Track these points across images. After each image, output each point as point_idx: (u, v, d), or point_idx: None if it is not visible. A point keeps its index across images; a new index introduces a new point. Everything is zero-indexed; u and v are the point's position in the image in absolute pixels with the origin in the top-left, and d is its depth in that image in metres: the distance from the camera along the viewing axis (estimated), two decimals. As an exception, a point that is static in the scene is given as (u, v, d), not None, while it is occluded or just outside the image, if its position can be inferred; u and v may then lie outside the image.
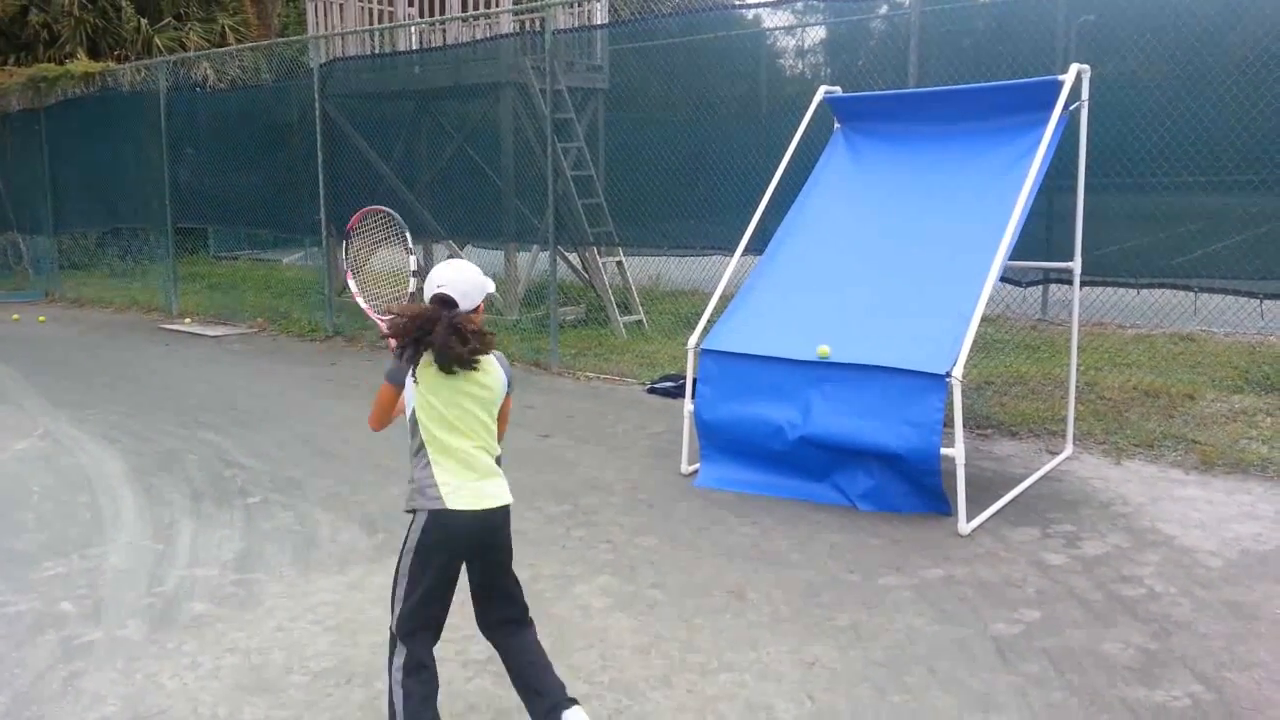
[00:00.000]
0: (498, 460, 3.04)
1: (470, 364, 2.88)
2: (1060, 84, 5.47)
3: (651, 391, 7.89)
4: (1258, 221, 6.43)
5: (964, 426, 5.02)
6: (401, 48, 11.44)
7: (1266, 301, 6.50)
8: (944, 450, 4.86)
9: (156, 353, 10.39)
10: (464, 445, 2.96)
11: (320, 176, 10.94)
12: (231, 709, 3.42)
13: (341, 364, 9.50)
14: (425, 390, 2.93)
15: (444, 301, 2.92)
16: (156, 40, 19.46)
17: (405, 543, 2.97)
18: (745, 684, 3.51)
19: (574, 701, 2.96)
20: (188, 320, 12.32)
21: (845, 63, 10.03)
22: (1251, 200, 6.44)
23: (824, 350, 5.22)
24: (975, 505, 5.02)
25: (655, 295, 11.68)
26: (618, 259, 10.82)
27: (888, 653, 3.72)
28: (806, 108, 6.36)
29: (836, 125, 6.47)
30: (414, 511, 2.97)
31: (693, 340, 5.80)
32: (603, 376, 8.53)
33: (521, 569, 4.50)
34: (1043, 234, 6.61)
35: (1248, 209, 6.45)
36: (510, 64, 10.12)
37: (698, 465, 5.76)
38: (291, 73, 12.89)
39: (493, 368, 3.00)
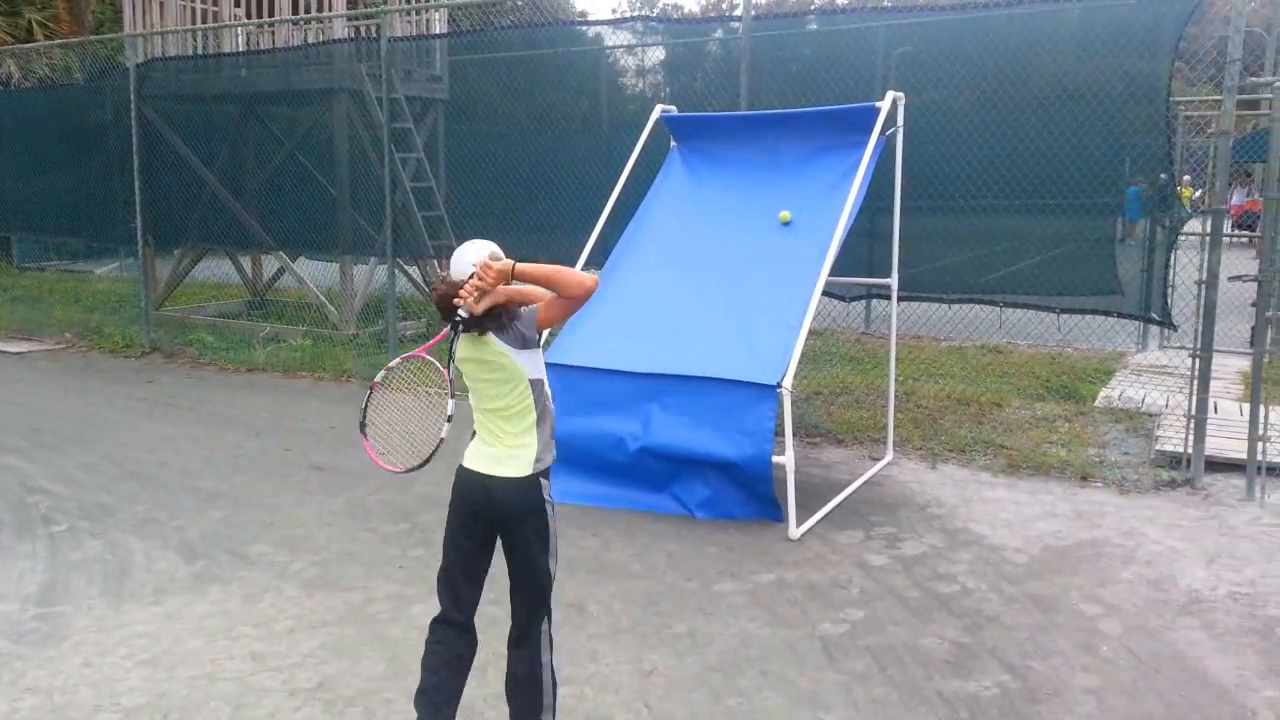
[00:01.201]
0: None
1: (461, 325, 2.86)
2: (877, 110, 5.79)
3: (492, 406, 7.81)
4: (1055, 242, 6.98)
5: (794, 435, 5.22)
6: (226, 49, 10.94)
7: (1064, 315, 7.04)
8: (775, 458, 5.03)
9: (-52, 371, 9.52)
10: (482, 416, 3.00)
11: (136, 182, 10.32)
12: (30, 754, 3.17)
13: (159, 381, 8.97)
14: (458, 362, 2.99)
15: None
16: (-49, 32, 17.93)
17: None
18: (585, 696, 3.53)
19: None
20: (-15, 335, 11.35)
21: (683, 83, 10.29)
22: (1049, 222, 6.98)
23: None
24: (804, 510, 5.21)
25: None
26: (458, 272, 10.66)
27: (722, 657, 3.81)
28: (646, 125, 6.48)
29: (673, 143, 6.62)
30: None
31: (532, 354, 5.78)
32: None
33: (355, 592, 4.39)
34: (865, 252, 6.96)
35: (1046, 230, 6.99)
36: (344, 70, 9.85)
37: (538, 479, 5.73)
38: (106, 72, 12.14)
39: (492, 339, 2.92)
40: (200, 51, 11.07)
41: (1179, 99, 9.24)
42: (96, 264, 18.12)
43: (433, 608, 3.10)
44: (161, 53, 10.88)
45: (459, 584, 3.01)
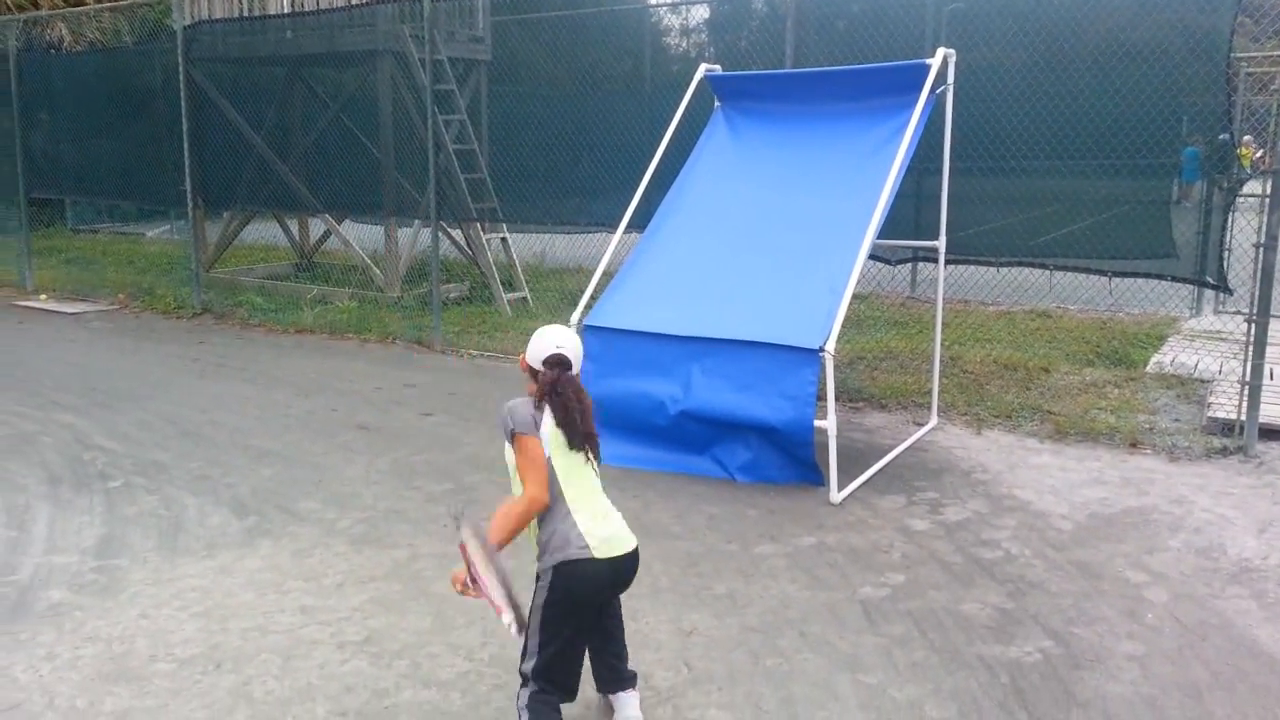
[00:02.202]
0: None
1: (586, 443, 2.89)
2: (927, 68, 5.67)
3: (535, 368, 7.86)
4: (1109, 204, 6.82)
5: (836, 399, 5.19)
6: (272, 11, 10.98)
7: (1116, 280, 6.89)
8: (817, 422, 5.01)
9: (9, 330, 9.78)
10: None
11: (186, 145, 10.44)
12: (91, 700, 3.29)
13: (210, 342, 9.14)
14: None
15: (561, 362, 2.93)
16: (5, -3, 18.17)
17: None
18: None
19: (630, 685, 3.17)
20: (43, 296, 11.63)
21: (728, 42, 10.15)
22: (1103, 184, 6.82)
23: None
24: (846, 475, 5.20)
25: (540, 272, 11.62)
26: (502, 235, 10.70)
27: (762, 618, 3.83)
28: (689, 85, 6.42)
29: (716, 103, 6.55)
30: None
31: (575, 317, 5.80)
32: (487, 354, 8.45)
33: (400, 549, 4.48)
34: (911, 214, 6.86)
35: (1099, 192, 6.83)
36: (388, 31, 9.85)
37: (580, 441, 5.77)
38: (154, 35, 12.27)
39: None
40: (246, 14, 11.12)
41: (1241, 55, 8.94)
42: (148, 226, 18.45)
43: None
44: (208, 15, 10.96)
45: (579, 666, 2.99)
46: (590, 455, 2.94)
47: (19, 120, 11.99)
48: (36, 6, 17.43)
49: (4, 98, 12.03)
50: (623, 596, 3.91)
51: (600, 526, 2.85)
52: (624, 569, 2.90)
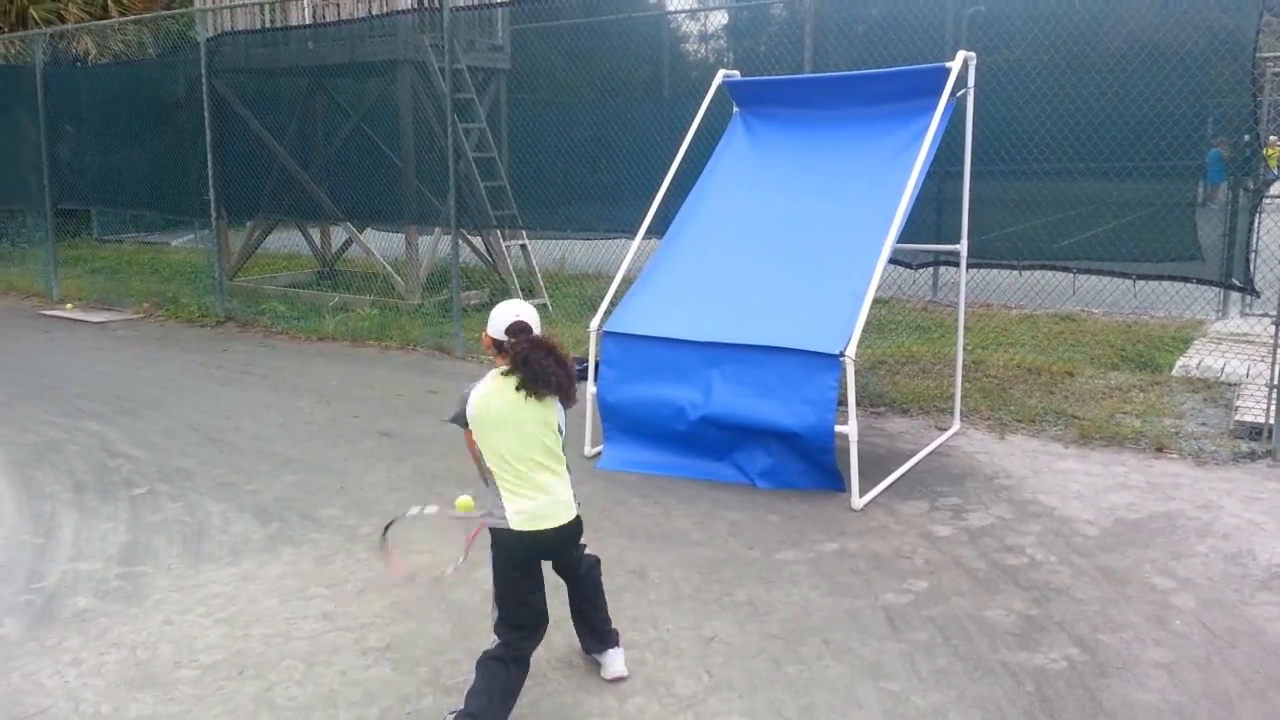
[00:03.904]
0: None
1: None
2: (947, 71, 5.64)
3: (555, 375, 7.87)
4: (1132, 206, 6.77)
5: (857, 405, 5.16)
6: (293, 22, 11.08)
7: (1140, 282, 6.83)
8: (838, 428, 4.99)
9: (36, 340, 9.90)
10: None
11: (209, 156, 10.54)
12: (116, 705, 3.31)
13: (233, 350, 9.21)
14: None
15: (523, 329, 3.08)
16: (33, 11, 18.42)
17: None
18: (645, 661, 3.56)
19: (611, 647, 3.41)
20: (69, 306, 11.76)
21: (747, 48, 10.16)
22: (1127, 186, 6.77)
23: None
24: (868, 480, 5.17)
25: (560, 279, 11.64)
26: (522, 242, 10.73)
27: (784, 625, 3.81)
28: (708, 92, 6.42)
29: (735, 109, 6.54)
30: None
31: (595, 323, 5.81)
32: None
33: (422, 555, 4.48)
34: (932, 218, 6.83)
35: (1123, 195, 6.78)
36: (408, 41, 9.92)
37: (601, 447, 5.78)
38: (178, 47, 12.40)
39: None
40: (268, 25, 11.23)
41: (1266, 55, 8.83)
42: (172, 236, 18.61)
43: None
44: (230, 27, 11.07)
45: (535, 619, 3.17)
46: (555, 426, 3.09)
47: (45, 132, 12.15)
48: (63, 21, 17.68)
49: (31, 110, 12.19)
50: (642, 603, 3.92)
51: (523, 501, 2.99)
52: (546, 542, 3.04)
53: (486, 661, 3.04)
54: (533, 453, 3.03)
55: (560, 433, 3.12)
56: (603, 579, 3.48)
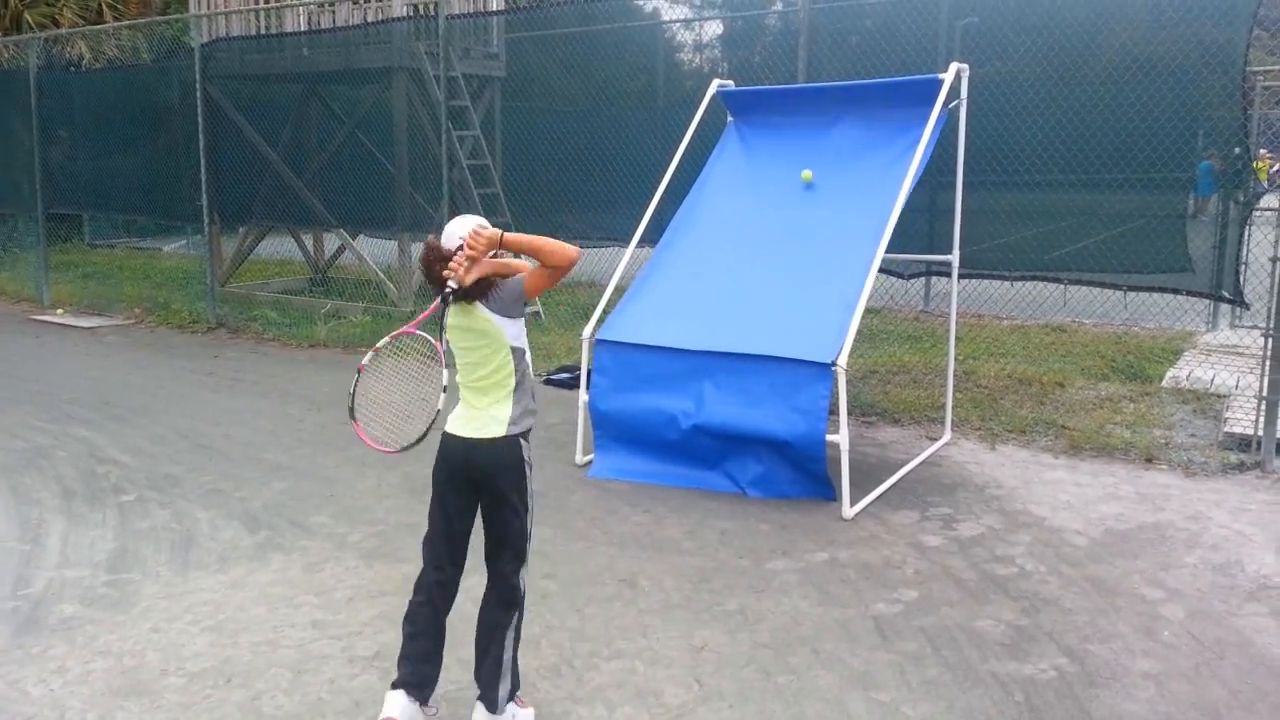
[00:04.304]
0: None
1: (450, 295, 2.97)
2: (940, 82, 5.66)
3: (548, 383, 7.87)
4: (1124, 218, 6.79)
5: (849, 414, 5.17)
6: (289, 28, 11.09)
7: (1131, 294, 6.86)
8: (829, 437, 4.99)
9: (25, 345, 9.86)
10: (466, 383, 3.12)
11: (202, 161, 10.53)
12: (102, 713, 3.29)
13: (224, 356, 9.19)
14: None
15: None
16: (27, 16, 18.41)
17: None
18: (635, 670, 3.55)
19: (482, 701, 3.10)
20: (60, 311, 11.72)
21: (741, 58, 10.19)
22: (1117, 198, 6.80)
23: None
24: (859, 490, 5.17)
25: (553, 287, 11.61)
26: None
27: (774, 635, 3.81)
28: (701, 102, 6.43)
29: (729, 118, 6.56)
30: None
31: (587, 331, 5.81)
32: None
33: (411, 563, 4.46)
34: (925, 228, 6.85)
35: (1114, 206, 6.81)
36: (403, 48, 9.92)
37: (592, 456, 5.78)
38: (172, 53, 12.38)
39: (480, 309, 3.05)
40: (263, 31, 11.23)
41: (1257, 69, 8.90)
42: (164, 241, 18.58)
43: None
44: (225, 33, 11.06)
45: (443, 546, 3.14)
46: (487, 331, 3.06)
47: (39, 137, 12.12)
48: (57, 25, 17.66)
49: (24, 115, 12.17)
50: (632, 612, 3.91)
51: (463, 410, 3.10)
52: (469, 448, 3.04)
53: None
54: (469, 361, 3.10)
55: (507, 341, 3.07)
56: (551, 599, 3.40)
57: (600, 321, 5.81)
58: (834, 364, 4.94)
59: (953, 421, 6.37)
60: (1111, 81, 6.68)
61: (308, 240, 13.21)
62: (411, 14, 10.54)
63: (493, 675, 3.07)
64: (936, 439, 6.22)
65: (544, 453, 6.12)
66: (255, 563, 4.50)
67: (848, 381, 5.01)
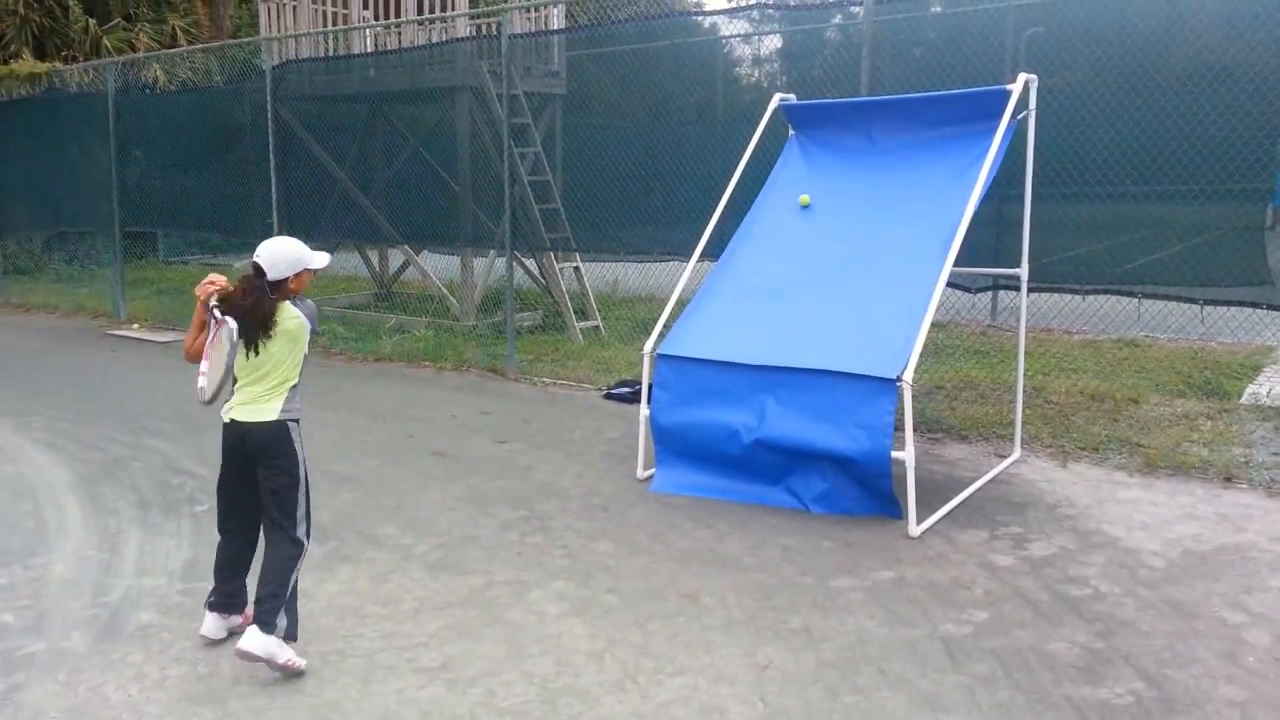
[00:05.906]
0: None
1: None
2: (1008, 93, 5.58)
3: (608, 397, 7.90)
4: (1198, 230, 6.60)
5: (914, 430, 5.09)
6: (356, 50, 11.34)
7: (1207, 308, 6.67)
8: (894, 453, 4.92)
9: (103, 359, 10.18)
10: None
11: (273, 180, 10.80)
12: (177, 719, 3.37)
13: (294, 370, 9.37)
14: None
15: (255, 270, 3.71)
16: (105, 41, 19.12)
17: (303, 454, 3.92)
18: (699, 687, 3.53)
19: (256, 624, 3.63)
20: (136, 326, 12.09)
21: (801, 71, 10.14)
22: (1192, 209, 6.61)
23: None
24: (925, 508, 5.08)
25: (612, 301, 11.69)
26: (575, 264, 10.80)
27: (839, 654, 3.75)
28: (762, 115, 6.42)
29: (791, 132, 6.53)
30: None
31: (649, 345, 5.82)
32: (559, 382, 8.52)
33: (475, 575, 4.51)
34: (992, 241, 6.73)
35: (1189, 217, 6.62)
36: (466, 68, 10.08)
37: (653, 470, 5.77)
38: (243, 75, 12.74)
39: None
40: (331, 53, 11.50)
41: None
42: (235, 257, 19.04)
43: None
44: (294, 55, 11.35)
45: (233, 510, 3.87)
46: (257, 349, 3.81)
47: (116, 158, 12.54)
48: (134, 49, 18.28)
49: (102, 137, 12.61)
50: (695, 628, 3.89)
51: (238, 399, 3.81)
52: (241, 432, 3.76)
53: None
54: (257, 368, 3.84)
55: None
56: (614, 613, 3.77)
57: (661, 336, 5.82)
58: (899, 379, 4.87)
59: (1022, 438, 6.23)
60: (1184, 90, 6.51)
61: (373, 256, 13.46)
62: (475, 34, 10.71)
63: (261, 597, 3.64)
64: (1005, 456, 6.10)
65: (605, 467, 6.13)
66: (324, 573, 4.58)
67: (913, 397, 4.94)
